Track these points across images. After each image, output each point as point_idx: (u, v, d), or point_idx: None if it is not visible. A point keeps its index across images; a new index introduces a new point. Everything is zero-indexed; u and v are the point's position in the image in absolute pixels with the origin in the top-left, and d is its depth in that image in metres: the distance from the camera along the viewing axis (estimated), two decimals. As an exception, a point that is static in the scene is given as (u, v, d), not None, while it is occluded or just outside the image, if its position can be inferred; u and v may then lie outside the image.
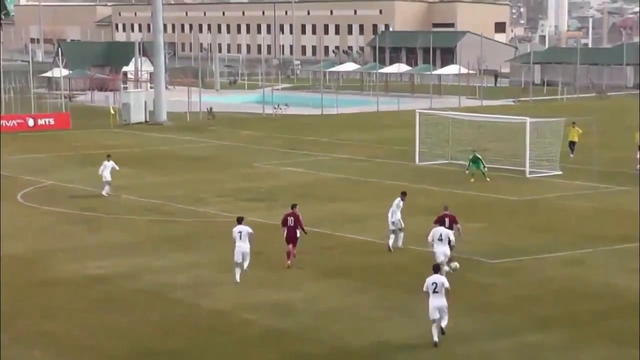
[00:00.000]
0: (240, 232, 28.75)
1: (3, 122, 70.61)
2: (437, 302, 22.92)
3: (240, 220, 29.23)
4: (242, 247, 28.60)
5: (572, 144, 54.48)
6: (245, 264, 28.70)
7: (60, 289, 28.31)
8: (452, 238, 28.47)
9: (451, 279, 25.31)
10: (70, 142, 63.24)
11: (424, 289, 23.31)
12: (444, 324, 23.18)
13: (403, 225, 32.49)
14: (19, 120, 71.13)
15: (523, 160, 48.53)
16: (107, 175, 42.70)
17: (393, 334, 24.10)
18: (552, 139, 49.93)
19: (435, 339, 22.84)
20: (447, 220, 29.79)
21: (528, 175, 47.94)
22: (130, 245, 33.91)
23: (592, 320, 25.29)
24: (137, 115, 75.72)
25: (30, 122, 71.25)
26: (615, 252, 32.56)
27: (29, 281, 29.21)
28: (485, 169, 46.53)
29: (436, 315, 22.91)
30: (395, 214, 32.42)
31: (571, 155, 53.48)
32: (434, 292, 23.00)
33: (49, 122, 71.99)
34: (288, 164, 53.18)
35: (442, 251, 28.20)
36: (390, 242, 32.32)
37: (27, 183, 46.86)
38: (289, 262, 30.23)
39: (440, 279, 23.23)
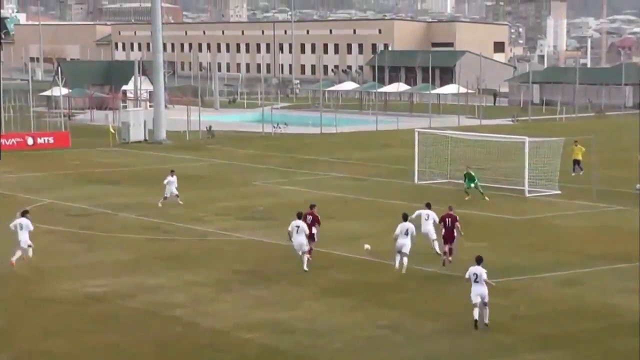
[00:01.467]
0: (297, 227, 31.98)
1: (3, 140, 70.47)
2: (478, 290, 25.87)
3: (300, 216, 32.56)
4: (299, 239, 31.88)
5: (576, 162, 54.65)
6: (305, 257, 31.94)
7: (59, 308, 28.25)
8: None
9: (453, 299, 25.25)
10: (70, 161, 63.25)
11: (466, 276, 26.35)
12: (486, 320, 25.78)
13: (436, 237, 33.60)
14: (18, 139, 71.16)
15: (522, 179, 48.53)
16: (173, 190, 44.28)
17: (391, 353, 24.04)
18: (551, 159, 49.94)
19: (476, 317, 25.65)
20: (448, 219, 32.70)
21: (527, 195, 47.95)
22: (128, 263, 33.87)
23: (591, 339, 25.23)
24: (137, 134, 75.78)
25: (30, 141, 71.27)
26: (614, 271, 32.51)
27: (27, 299, 29.14)
28: (479, 185, 46.49)
29: (477, 300, 25.77)
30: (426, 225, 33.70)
31: (573, 174, 53.63)
32: (475, 281, 25.94)
33: (48, 140, 72.03)
34: (287, 182, 53.20)
35: (403, 243, 31.32)
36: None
37: (26, 201, 46.78)
38: (309, 256, 32.27)
39: (480, 270, 26.03)
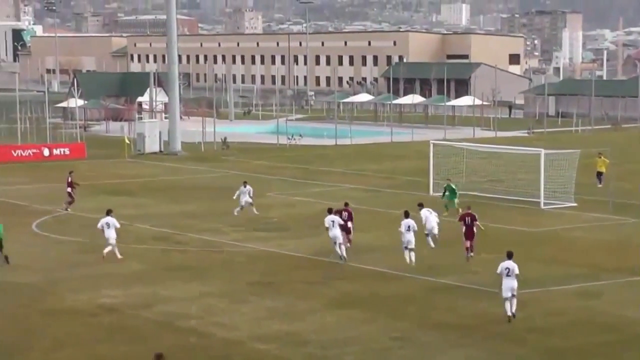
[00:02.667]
0: (332, 221, 34.84)
1: (19, 151, 70.94)
2: (509, 284, 27.20)
3: (331, 211, 35.44)
4: (335, 232, 34.77)
5: (599, 174, 54.63)
6: (342, 248, 34.92)
7: (72, 318, 28.28)
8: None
9: (464, 311, 25.13)
10: (85, 172, 63.35)
11: (498, 271, 27.48)
12: (514, 309, 27.20)
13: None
14: (34, 150, 71.45)
15: (538, 191, 48.39)
16: (248, 199, 45.22)
17: (404, 365, 23.96)
18: (566, 171, 49.78)
19: (509, 313, 27.14)
20: (468, 218, 35.58)
21: (543, 207, 47.81)
22: (142, 274, 33.91)
23: (605, 353, 25.11)
24: (152, 145, 76.00)
25: (46, 152, 71.54)
26: (629, 284, 32.38)
27: (41, 310, 29.20)
28: (456, 200, 45.36)
29: (508, 294, 27.18)
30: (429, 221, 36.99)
31: (599, 186, 53.59)
32: (507, 275, 27.23)
33: (64, 152, 72.28)
34: (301, 194, 53.19)
35: (408, 239, 34.30)
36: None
37: (42, 212, 46.99)
38: (349, 245, 35.61)
39: (512, 264, 27.34)
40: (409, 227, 34.45)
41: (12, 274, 34.00)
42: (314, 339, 26.06)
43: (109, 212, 36.50)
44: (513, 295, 27.33)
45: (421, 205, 38.23)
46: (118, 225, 36.18)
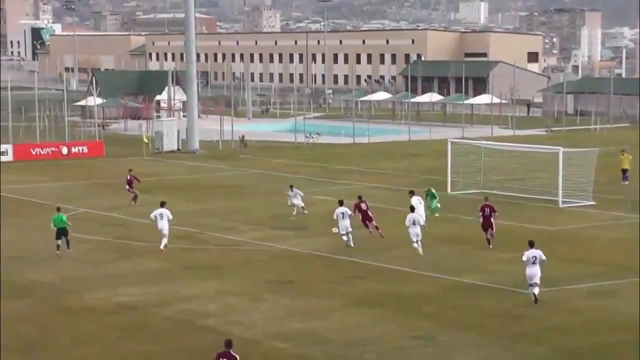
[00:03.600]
0: (342, 213, 37.32)
1: (37, 150, 71.28)
2: (534, 271, 29.12)
3: (341, 203, 38.22)
4: (345, 223, 37.19)
5: (624, 171, 54.56)
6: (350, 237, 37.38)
7: (91, 317, 28.42)
8: (422, 222, 36.98)
9: (484, 310, 25.10)
10: (104, 170, 63.66)
11: (524, 258, 29.33)
12: (537, 291, 29.05)
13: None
14: (53, 149, 71.76)
15: (556, 190, 48.29)
16: (300, 203, 45.68)
17: (423, 364, 23.99)
18: (585, 169, 49.63)
19: (533, 298, 29.05)
20: (487, 209, 37.52)
21: (561, 206, 47.70)
22: (161, 272, 34.03)
23: (623, 352, 25.06)
24: (170, 144, 76.20)
25: (64, 150, 71.86)
26: (648, 283, 32.24)
27: (61, 308, 29.36)
28: (438, 205, 44.86)
29: (531, 280, 29.09)
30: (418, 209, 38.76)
31: (626, 183, 53.49)
32: (533, 263, 29.13)
33: (82, 150, 72.58)
34: (319, 192, 53.20)
35: (415, 233, 36.06)
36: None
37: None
38: (370, 230, 38.72)
39: (538, 252, 29.35)
40: (414, 221, 36.12)
41: (32, 273, 34.22)
42: (334, 338, 26.10)
43: (162, 204, 37.88)
44: (536, 283, 29.09)
45: (412, 193, 41.06)
46: (171, 217, 37.56)
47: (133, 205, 48.35)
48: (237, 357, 20.22)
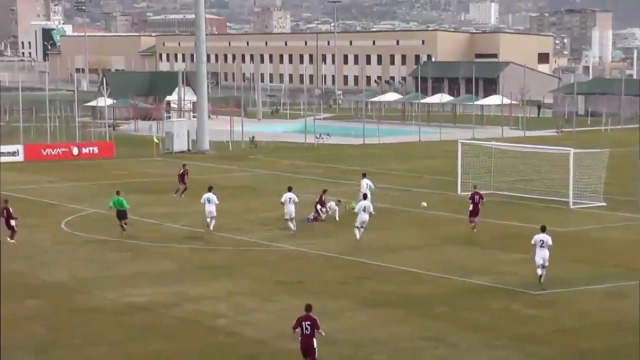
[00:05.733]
0: (290, 198, 40.00)
1: (48, 150, 71.44)
2: (542, 254, 30.91)
3: (290, 189, 41.07)
4: (290, 208, 40.23)
5: None
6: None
7: (102, 317, 28.46)
8: (371, 210, 38.52)
9: (495, 312, 25.03)
10: (114, 171, 63.74)
11: (533, 242, 31.17)
12: (544, 273, 30.81)
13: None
14: (63, 149, 71.89)
15: (566, 191, 48.21)
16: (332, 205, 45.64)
17: (433, 365, 23.96)
18: (596, 170, 49.54)
19: (539, 273, 30.92)
20: (476, 197, 39.91)
21: (572, 207, 47.61)
22: (171, 273, 34.06)
23: (633, 354, 24.97)
24: (180, 144, 76.27)
25: (75, 151, 71.97)
26: (659, 284, 32.15)
27: (71, 309, 29.40)
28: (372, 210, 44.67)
29: (540, 262, 30.86)
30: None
31: None
32: (541, 246, 30.87)
33: (93, 150, 72.69)
34: (329, 193, 53.08)
35: (362, 220, 38.13)
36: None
37: (71, 211, 47.28)
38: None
39: (546, 237, 31.09)
40: (364, 207, 38.28)
41: (42, 272, 34.29)
42: (345, 338, 26.08)
43: (210, 189, 41.60)
44: (544, 266, 30.80)
45: (364, 175, 45.59)
46: (217, 202, 40.93)
47: (176, 197, 50.50)
48: (317, 319, 22.25)
